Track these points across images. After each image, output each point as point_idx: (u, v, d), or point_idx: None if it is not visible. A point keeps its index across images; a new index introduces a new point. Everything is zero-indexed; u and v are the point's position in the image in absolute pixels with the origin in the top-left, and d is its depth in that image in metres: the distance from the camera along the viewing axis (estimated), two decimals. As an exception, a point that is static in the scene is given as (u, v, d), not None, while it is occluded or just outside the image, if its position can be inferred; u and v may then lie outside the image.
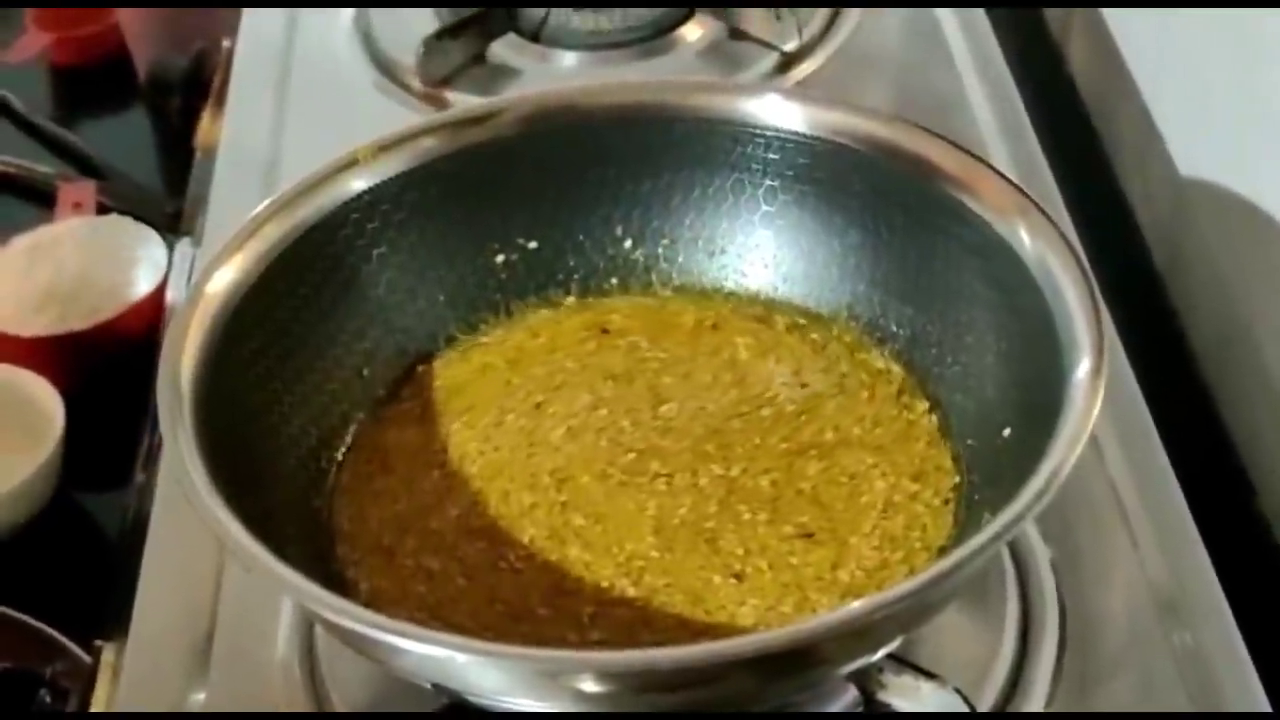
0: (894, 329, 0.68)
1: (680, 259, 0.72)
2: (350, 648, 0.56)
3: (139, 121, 1.15)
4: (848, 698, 0.57)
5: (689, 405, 0.67)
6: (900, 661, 0.54)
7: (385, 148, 0.69)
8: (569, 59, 0.94)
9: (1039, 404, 0.57)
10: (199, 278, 0.63)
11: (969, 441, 0.63)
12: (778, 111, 0.69)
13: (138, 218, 1.01)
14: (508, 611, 0.60)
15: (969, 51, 0.92)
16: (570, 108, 0.71)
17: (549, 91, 0.73)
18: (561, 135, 0.71)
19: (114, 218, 1.02)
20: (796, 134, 0.68)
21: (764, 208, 0.70)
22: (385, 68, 0.94)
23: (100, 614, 0.70)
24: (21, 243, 0.99)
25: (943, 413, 0.65)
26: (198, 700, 0.64)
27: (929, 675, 0.53)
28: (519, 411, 0.68)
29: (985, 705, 0.60)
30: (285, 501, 0.62)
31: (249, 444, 0.62)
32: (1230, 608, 0.63)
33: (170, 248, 0.95)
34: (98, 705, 0.67)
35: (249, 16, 1.01)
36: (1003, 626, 0.63)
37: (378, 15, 0.98)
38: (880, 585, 0.59)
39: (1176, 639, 0.63)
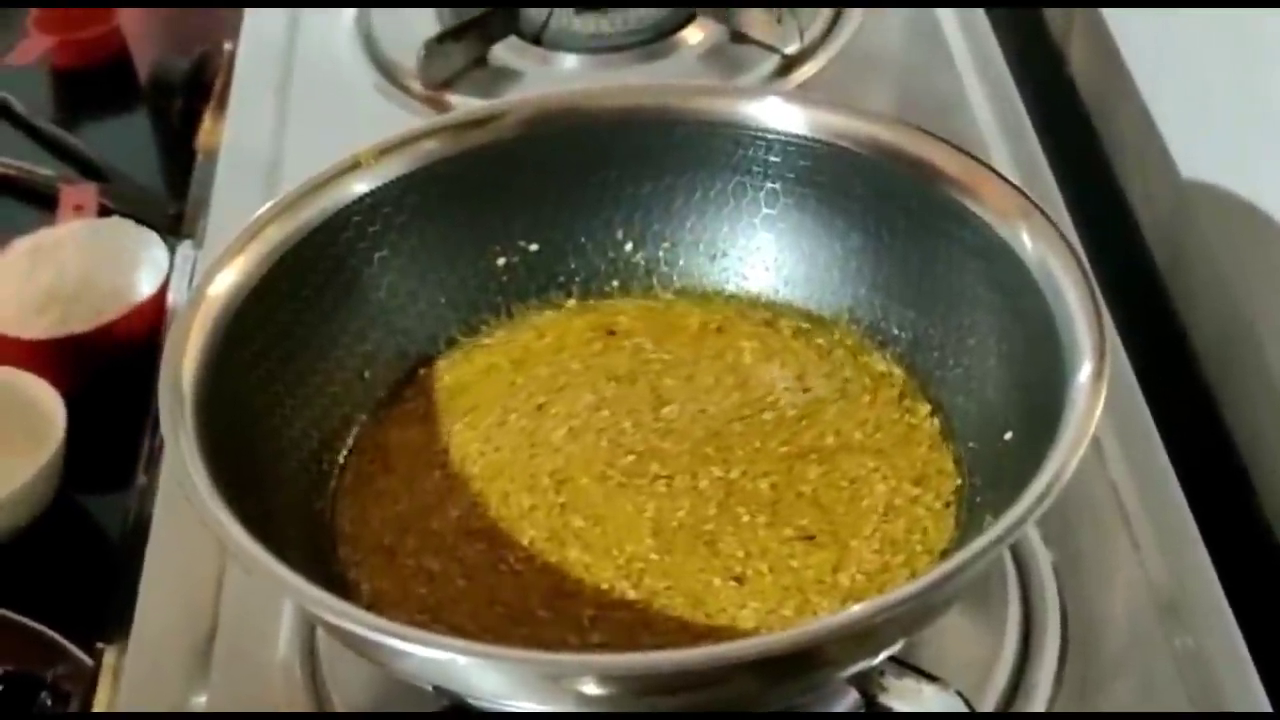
0: (896, 332, 0.68)
1: (681, 262, 0.72)
2: (351, 650, 0.56)
3: (140, 124, 1.15)
4: (849, 700, 0.57)
5: (690, 407, 0.67)
6: (902, 664, 0.54)
7: (387, 150, 0.69)
8: (570, 62, 0.94)
9: (1041, 406, 0.57)
10: (200, 280, 0.63)
11: (971, 444, 0.63)
12: (779, 114, 0.69)
13: (139, 220, 1.01)
14: (508, 614, 0.60)
15: (969, 52, 0.92)
16: (571, 110, 0.71)
17: (550, 94, 0.73)
18: (563, 138, 0.71)
19: (115, 220, 1.02)
20: (798, 137, 0.68)
21: (765, 211, 0.70)
22: (387, 70, 0.94)
23: (101, 616, 0.70)
24: (23, 245, 0.99)
25: (944, 416, 0.65)
26: (199, 702, 0.64)
27: (931, 678, 0.53)
28: (521, 412, 0.68)
29: (987, 708, 0.60)
30: (287, 503, 0.62)
31: (250, 446, 0.62)
32: (1232, 609, 0.63)
33: (172, 250, 0.95)
34: (99, 707, 0.67)
35: (250, 19, 1.01)
36: (1004, 629, 0.63)
37: (379, 18, 0.98)
38: (881, 588, 0.59)
39: (1178, 641, 0.63)
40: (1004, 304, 0.63)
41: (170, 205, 1.01)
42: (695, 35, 0.95)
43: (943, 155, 0.65)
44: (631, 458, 0.65)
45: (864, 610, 0.51)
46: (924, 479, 0.63)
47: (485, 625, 0.59)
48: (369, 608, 0.59)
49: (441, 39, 0.92)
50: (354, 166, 0.68)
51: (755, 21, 0.93)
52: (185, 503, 0.55)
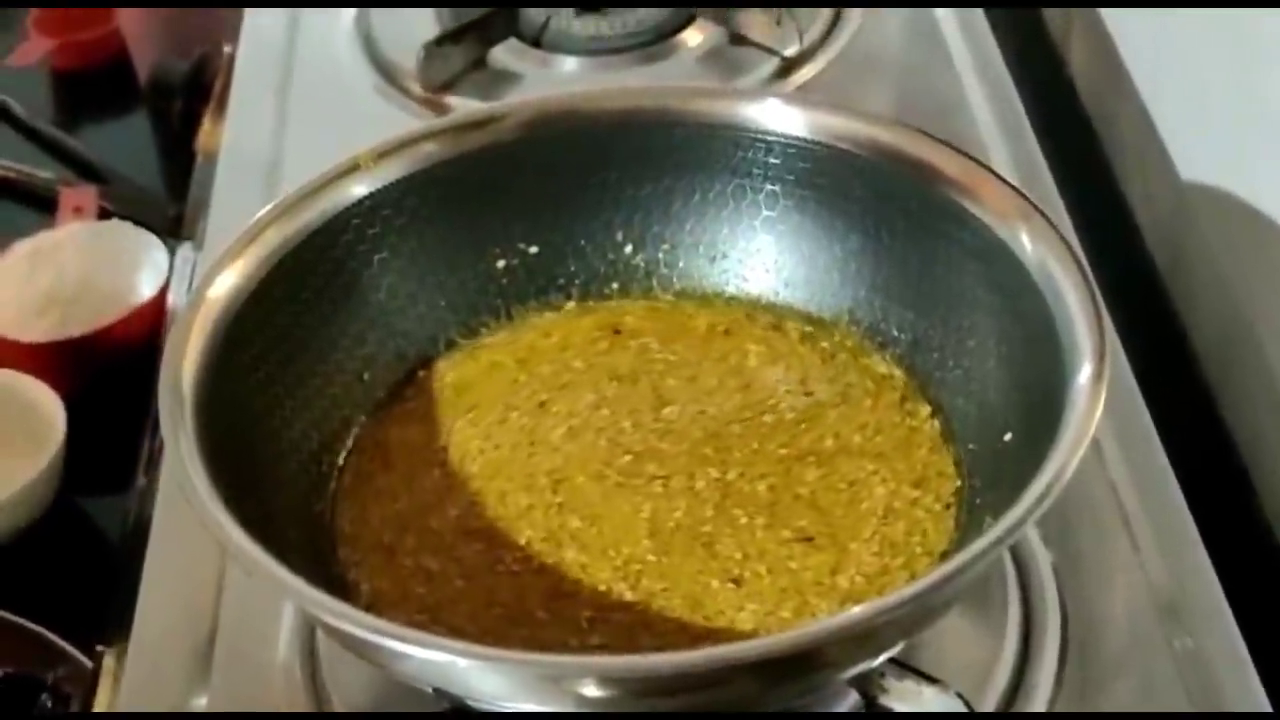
0: (895, 334, 0.68)
1: (681, 264, 0.72)
2: (351, 652, 0.56)
3: (140, 126, 1.15)
4: (849, 701, 0.57)
5: (691, 409, 0.67)
6: (902, 666, 0.54)
7: (386, 153, 0.69)
8: (570, 64, 0.94)
9: (1040, 408, 0.57)
10: (200, 282, 0.63)
11: (970, 446, 0.63)
12: (778, 116, 0.69)
13: (139, 222, 1.01)
14: (506, 614, 0.60)
15: (969, 53, 0.92)
16: (571, 113, 0.71)
17: (550, 96, 0.73)
18: (562, 140, 0.71)
19: (115, 222, 1.02)
20: (797, 139, 0.68)
21: (765, 212, 0.70)
22: (386, 73, 0.94)
23: (102, 618, 0.70)
24: (23, 248, 0.99)
25: (944, 417, 0.65)
26: (199, 704, 0.64)
27: (931, 679, 0.53)
28: (523, 410, 0.68)
29: (987, 709, 0.60)
30: (286, 505, 0.62)
31: (250, 448, 0.62)
32: (1232, 610, 0.63)
33: (171, 252, 0.95)
34: (99, 709, 0.67)
35: (250, 19, 1.02)
36: (1004, 630, 0.63)
37: (379, 20, 0.98)
38: (881, 591, 0.59)
39: (1178, 642, 0.63)
40: (1004, 305, 0.63)
41: (170, 207, 1.01)
42: (694, 37, 0.95)
43: (942, 157, 0.65)
44: (629, 457, 0.65)
45: (864, 612, 0.51)
46: (924, 481, 0.63)
47: (484, 627, 0.59)
48: (368, 608, 0.59)
49: (441, 41, 0.92)
50: (353, 169, 0.68)
51: (754, 23, 0.93)
52: (185, 505, 0.55)
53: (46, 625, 0.76)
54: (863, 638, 0.52)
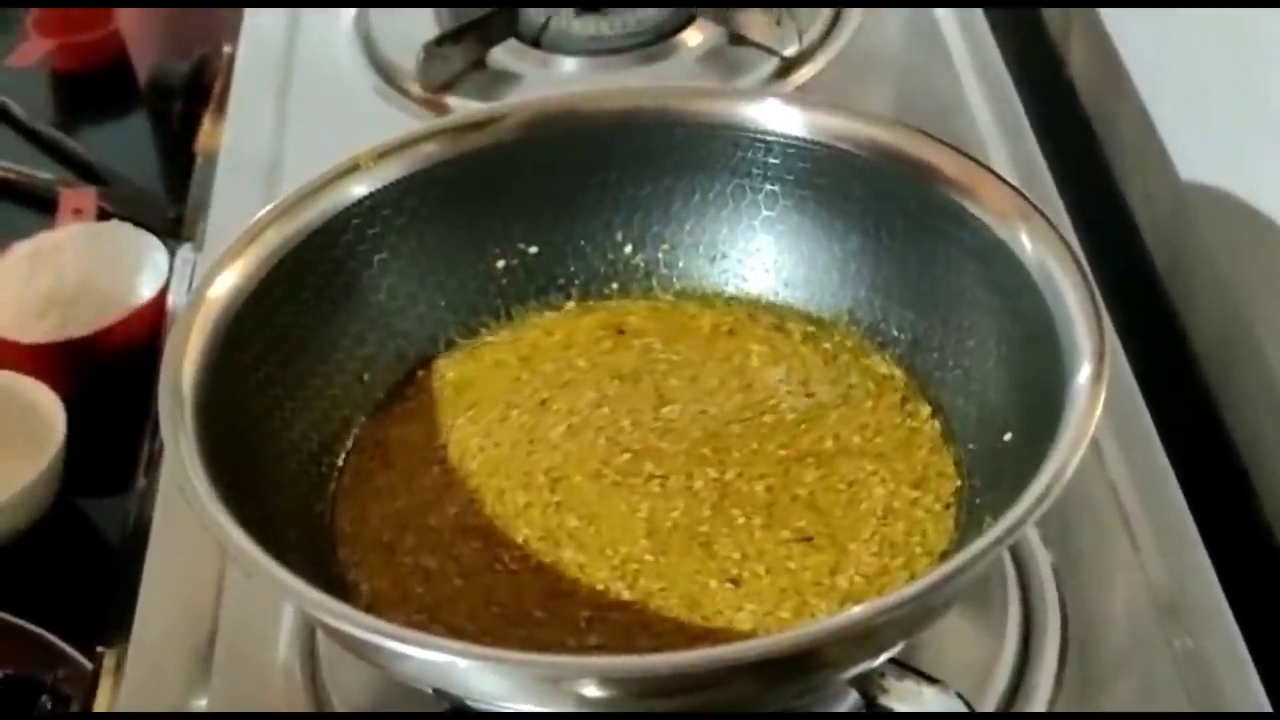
0: (895, 334, 0.68)
1: (681, 264, 0.72)
2: (351, 652, 0.56)
3: (140, 127, 1.15)
4: (849, 701, 0.57)
5: (691, 408, 0.67)
6: (902, 666, 0.54)
7: (386, 153, 0.69)
8: (569, 64, 0.94)
9: (1040, 408, 0.57)
10: (200, 283, 0.63)
11: (970, 446, 0.63)
12: (778, 116, 0.69)
13: (139, 223, 1.01)
14: (504, 614, 0.60)
15: (968, 53, 0.92)
16: (571, 113, 0.71)
17: (549, 97, 0.73)
18: (562, 140, 0.71)
19: (115, 224, 1.02)
20: (797, 139, 0.68)
21: (764, 213, 0.70)
22: (386, 73, 0.94)
23: (102, 619, 0.70)
24: (23, 249, 0.99)
25: (944, 417, 0.65)
26: (199, 705, 0.64)
27: (931, 679, 0.53)
28: (524, 408, 0.68)
29: (987, 709, 0.60)
30: (286, 506, 0.62)
31: (250, 449, 0.62)
32: (1232, 610, 0.63)
33: (171, 253, 0.95)
34: (99, 710, 0.67)
35: (250, 19, 1.02)
36: (1004, 630, 0.63)
37: (379, 20, 0.98)
38: (880, 591, 0.59)
39: (1178, 642, 0.63)
40: (1003, 305, 0.62)
41: (170, 208, 1.01)
42: (694, 37, 0.95)
43: (942, 157, 0.65)
44: (627, 456, 0.65)
45: (864, 612, 0.51)
46: (923, 481, 0.63)
47: (483, 626, 0.59)
48: (368, 608, 0.59)
49: (440, 41, 0.92)
50: (353, 169, 0.68)
51: (754, 23, 0.93)
52: (185, 506, 0.55)
53: (46, 626, 0.76)
54: (862, 638, 0.52)
